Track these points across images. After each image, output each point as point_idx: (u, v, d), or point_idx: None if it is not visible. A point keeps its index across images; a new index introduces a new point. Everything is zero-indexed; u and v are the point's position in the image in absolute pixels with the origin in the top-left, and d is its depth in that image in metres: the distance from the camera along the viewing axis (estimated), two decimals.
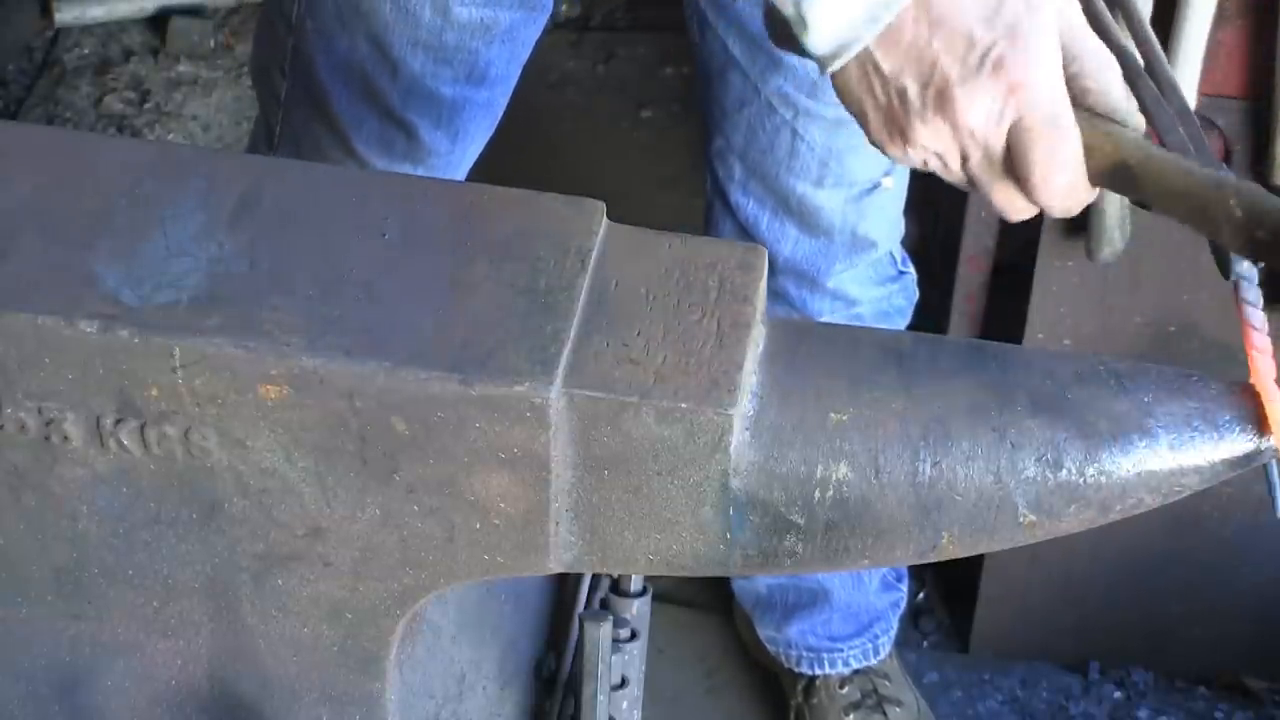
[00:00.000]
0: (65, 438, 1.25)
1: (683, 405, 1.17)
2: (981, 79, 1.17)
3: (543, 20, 1.94)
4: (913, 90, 1.19)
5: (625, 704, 1.53)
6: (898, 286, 2.17)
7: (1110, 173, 1.21)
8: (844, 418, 1.21)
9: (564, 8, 3.63)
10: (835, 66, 1.21)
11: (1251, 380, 1.21)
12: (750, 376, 1.22)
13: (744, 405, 1.20)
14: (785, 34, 1.22)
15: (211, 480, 1.25)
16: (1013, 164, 1.20)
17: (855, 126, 1.63)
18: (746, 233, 2.06)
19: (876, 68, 1.19)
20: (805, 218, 2.02)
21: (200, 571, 1.31)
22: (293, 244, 1.25)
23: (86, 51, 3.57)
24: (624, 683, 1.53)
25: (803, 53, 1.22)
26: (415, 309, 1.21)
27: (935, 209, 2.63)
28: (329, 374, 1.18)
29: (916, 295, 2.22)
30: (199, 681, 1.38)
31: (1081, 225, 2.10)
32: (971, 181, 1.23)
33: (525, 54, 1.96)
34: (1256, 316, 1.23)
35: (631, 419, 1.18)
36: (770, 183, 2.00)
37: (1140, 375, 1.23)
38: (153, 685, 1.40)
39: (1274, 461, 1.21)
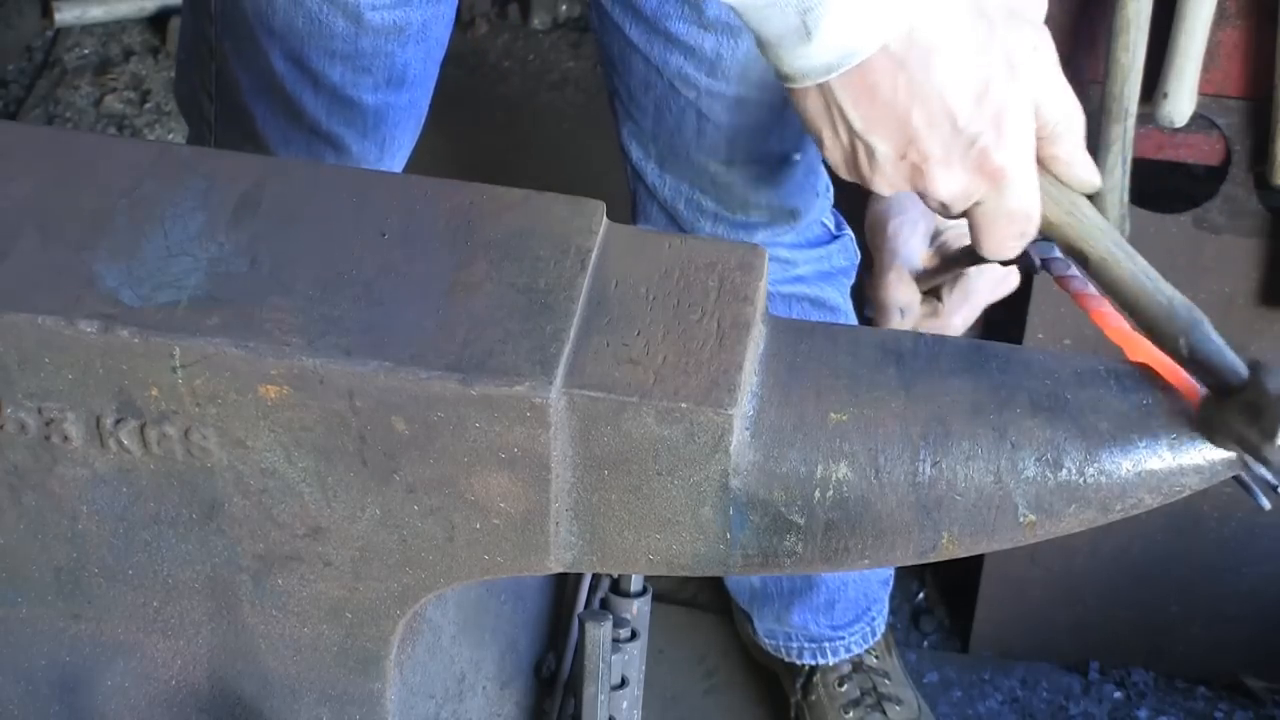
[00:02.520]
0: (65, 438, 1.25)
1: (683, 405, 1.17)
2: (962, 166, 1.17)
3: (450, 15, 1.94)
4: (883, 152, 1.17)
5: (625, 704, 1.53)
6: (836, 247, 2.17)
7: (1065, 249, 1.23)
8: (844, 417, 1.21)
9: (564, 8, 3.63)
10: (796, 86, 1.18)
11: (1120, 344, 1.23)
12: (750, 376, 1.22)
13: (744, 405, 1.20)
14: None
15: (211, 480, 1.25)
16: (969, 224, 1.21)
17: (758, 103, 1.61)
18: (669, 214, 2.06)
19: (841, 112, 1.17)
20: (720, 194, 2.02)
21: (200, 571, 1.31)
22: (293, 244, 1.25)
23: (86, 51, 3.57)
24: (624, 683, 1.52)
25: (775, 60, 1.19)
26: (415, 309, 1.21)
27: None
28: (329, 374, 1.18)
29: (859, 256, 2.22)
30: (199, 681, 1.38)
31: None
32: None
33: (440, 52, 1.96)
34: (1081, 283, 1.24)
35: (631, 419, 1.18)
36: (683, 162, 2.01)
37: (1140, 375, 1.23)
38: (153, 685, 1.40)
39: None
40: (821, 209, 2.13)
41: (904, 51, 1.14)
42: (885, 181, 1.19)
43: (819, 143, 1.21)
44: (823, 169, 2.10)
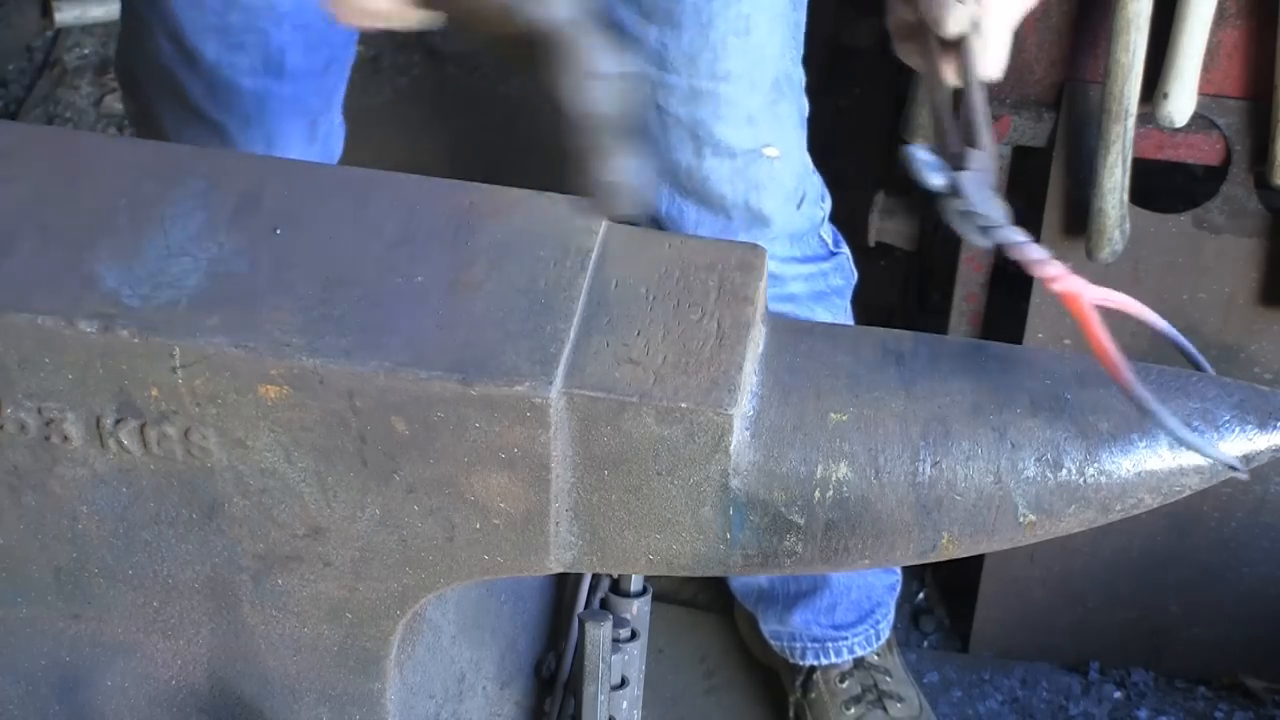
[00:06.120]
0: (65, 438, 1.25)
1: (683, 405, 1.17)
2: None
3: None
4: None
5: (625, 704, 1.53)
6: (830, 265, 2.15)
7: None
8: (844, 418, 1.21)
9: None
10: None
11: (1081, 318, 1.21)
12: (750, 376, 1.22)
13: (744, 405, 1.20)
14: None
15: (211, 480, 1.25)
16: None
17: (710, 94, 1.70)
18: (655, 218, 2.05)
19: None
20: (697, 192, 2.01)
21: (200, 571, 1.31)
22: (293, 244, 1.25)
23: (86, 51, 3.57)
24: (624, 683, 1.52)
25: None
26: (415, 309, 1.21)
27: (935, 209, 2.63)
28: (329, 374, 1.18)
29: (855, 276, 2.19)
30: (199, 681, 1.38)
31: (1081, 225, 2.10)
32: None
33: (330, 52, 1.94)
34: (1035, 250, 1.23)
35: (631, 419, 1.18)
36: (659, 162, 2.00)
37: (1140, 375, 1.23)
38: (153, 685, 1.40)
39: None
40: (809, 220, 2.10)
41: None
42: None
43: None
44: (813, 181, 2.09)
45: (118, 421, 1.23)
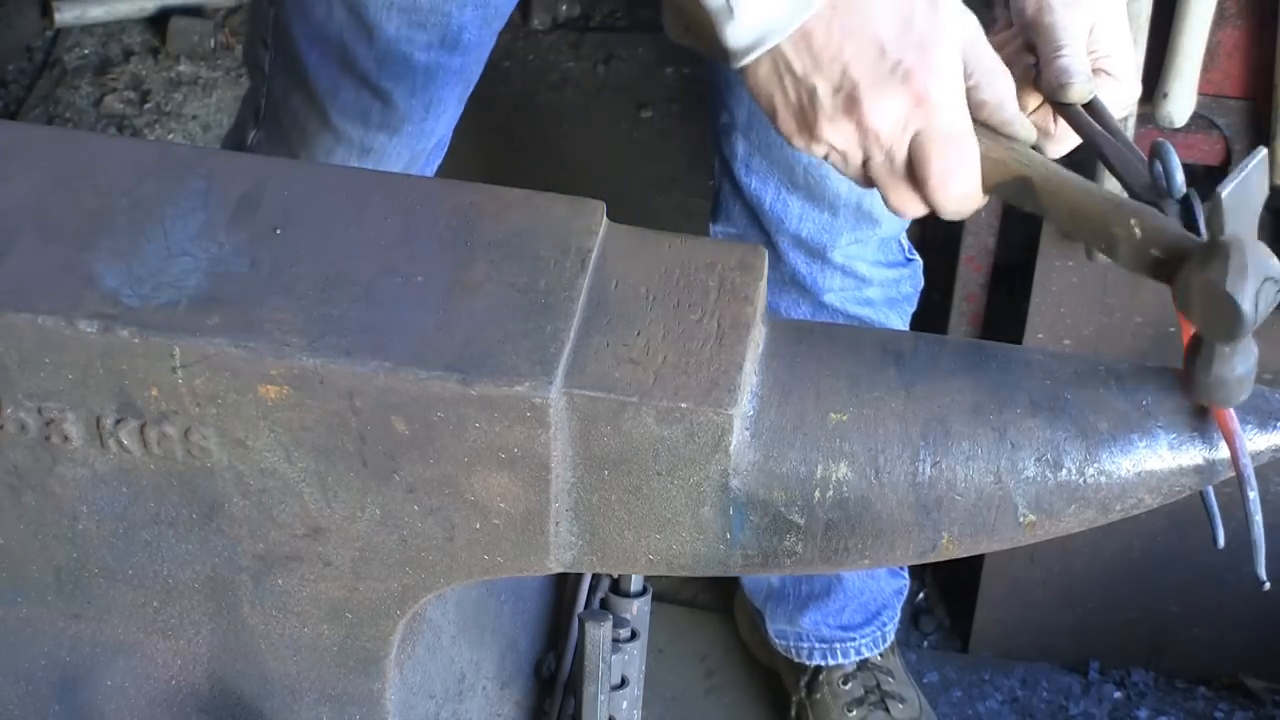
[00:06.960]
0: (65, 438, 1.25)
1: (683, 405, 1.18)
2: (890, 87, 1.23)
3: None
4: (823, 91, 1.25)
5: (625, 704, 1.53)
6: (907, 272, 2.17)
7: (1009, 184, 1.27)
8: (844, 418, 1.21)
9: (564, 8, 3.63)
10: (747, 60, 1.26)
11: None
12: (750, 376, 1.22)
13: (744, 405, 1.20)
14: (695, 27, 1.27)
15: (211, 480, 1.25)
16: (912, 169, 1.26)
17: None
18: (753, 210, 2.06)
19: (788, 66, 1.25)
20: (811, 189, 2.01)
21: (200, 571, 1.31)
22: (293, 244, 1.25)
23: (86, 51, 3.57)
24: (624, 683, 1.53)
25: (713, 47, 1.27)
26: (415, 309, 1.21)
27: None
28: (329, 374, 1.18)
29: (922, 283, 2.22)
30: (199, 681, 1.38)
31: None
32: (869, 180, 1.28)
33: (499, 22, 1.98)
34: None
35: (631, 419, 1.18)
36: (775, 155, 2.01)
37: (1140, 375, 1.23)
38: (153, 685, 1.40)
39: (1210, 489, 1.25)
40: (900, 224, 2.12)
41: (835, 2, 1.24)
42: (828, 121, 1.25)
43: (771, 114, 1.28)
44: None
45: (118, 421, 1.23)
